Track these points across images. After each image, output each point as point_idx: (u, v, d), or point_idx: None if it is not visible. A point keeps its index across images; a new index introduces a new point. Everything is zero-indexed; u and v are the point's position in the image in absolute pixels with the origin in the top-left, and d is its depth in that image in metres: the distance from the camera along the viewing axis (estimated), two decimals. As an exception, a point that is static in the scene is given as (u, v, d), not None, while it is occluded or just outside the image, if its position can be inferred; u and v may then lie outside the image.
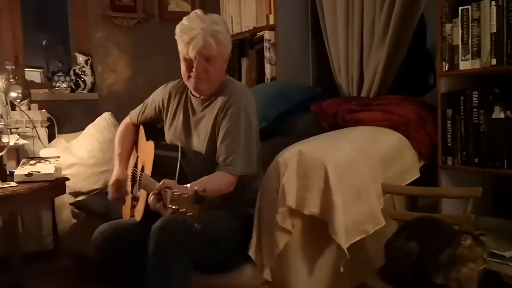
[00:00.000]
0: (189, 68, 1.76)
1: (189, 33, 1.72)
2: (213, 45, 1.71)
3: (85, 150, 2.79)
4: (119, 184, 1.96)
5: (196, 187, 1.33)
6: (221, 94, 1.81)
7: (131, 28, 3.47)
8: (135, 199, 1.91)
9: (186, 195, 1.32)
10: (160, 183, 1.47)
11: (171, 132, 1.92)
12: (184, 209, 1.32)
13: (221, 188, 1.68)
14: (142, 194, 1.81)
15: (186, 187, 1.38)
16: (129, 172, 2.01)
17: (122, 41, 3.46)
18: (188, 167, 1.81)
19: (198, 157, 1.84)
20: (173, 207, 1.35)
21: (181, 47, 1.76)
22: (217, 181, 1.67)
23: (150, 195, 1.49)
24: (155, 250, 1.55)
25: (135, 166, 2.00)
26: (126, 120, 2.13)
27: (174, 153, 1.78)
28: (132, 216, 1.89)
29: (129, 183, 2.01)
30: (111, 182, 1.97)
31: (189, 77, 1.78)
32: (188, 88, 1.87)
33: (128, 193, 1.98)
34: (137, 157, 2.03)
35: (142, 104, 2.06)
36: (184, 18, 1.77)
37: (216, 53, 1.73)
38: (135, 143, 2.09)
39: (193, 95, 1.87)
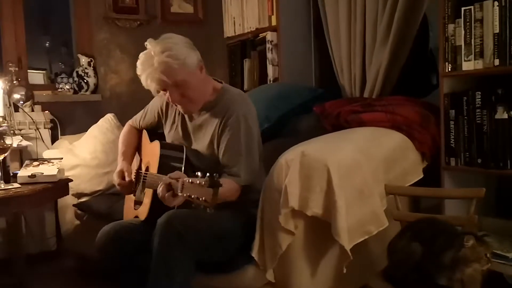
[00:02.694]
0: (169, 98, 1.78)
1: (142, 76, 1.74)
2: (164, 78, 1.70)
3: (88, 151, 2.80)
4: (123, 174, 1.95)
5: (208, 173, 1.35)
6: (219, 103, 1.82)
7: (133, 30, 3.48)
8: (137, 202, 1.91)
9: (198, 182, 1.34)
10: (174, 173, 1.50)
11: (171, 137, 1.94)
12: (196, 195, 1.33)
13: (227, 194, 1.67)
14: (147, 192, 1.81)
15: (197, 175, 1.38)
16: (132, 174, 2.01)
17: (124, 43, 3.46)
18: (192, 167, 1.82)
19: (200, 161, 1.85)
20: (185, 194, 1.36)
21: (146, 87, 1.78)
22: (226, 185, 1.67)
23: (160, 185, 1.50)
24: (160, 244, 1.56)
25: (139, 168, 2.01)
26: (129, 122, 2.15)
27: (179, 154, 1.79)
28: (135, 217, 1.89)
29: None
30: (115, 173, 1.96)
31: (175, 104, 1.81)
32: None
33: (131, 180, 1.97)
34: (140, 160, 2.03)
35: (143, 110, 2.09)
36: (140, 56, 1.75)
37: (176, 78, 1.71)
38: (138, 145, 2.10)
39: None
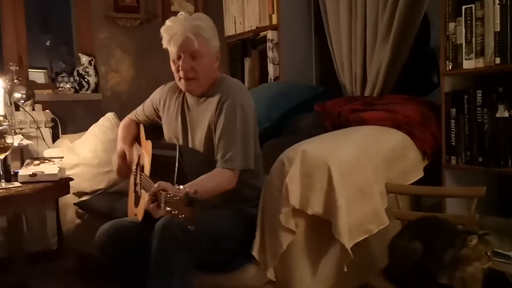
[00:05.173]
0: (178, 69, 1.79)
1: (169, 32, 1.76)
2: (193, 40, 1.72)
3: (89, 150, 2.80)
4: (124, 155, 1.95)
5: (187, 189, 1.34)
6: (216, 91, 1.82)
7: (134, 29, 3.48)
8: (137, 201, 1.91)
9: (178, 198, 1.34)
10: (156, 185, 1.49)
11: (169, 130, 1.94)
12: (176, 212, 1.34)
13: (222, 185, 1.69)
14: (143, 194, 1.81)
15: (180, 188, 1.39)
16: (133, 167, 2.01)
17: (125, 42, 3.47)
18: (186, 165, 1.82)
19: (196, 154, 1.85)
20: (167, 208, 1.37)
21: (166, 47, 1.79)
22: (216, 179, 1.69)
23: (146, 196, 1.51)
24: (158, 248, 1.56)
25: (138, 163, 2.00)
26: (129, 116, 2.16)
27: (172, 152, 1.78)
28: (135, 215, 1.89)
29: (132, 180, 2.01)
30: (116, 154, 1.96)
31: (179, 78, 1.81)
32: None
33: (134, 164, 1.97)
34: (139, 155, 2.03)
35: (141, 105, 2.09)
36: (171, 18, 1.79)
37: (199, 48, 1.74)
38: (137, 137, 2.10)
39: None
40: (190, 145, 1.88)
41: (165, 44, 1.78)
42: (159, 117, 2.01)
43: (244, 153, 1.74)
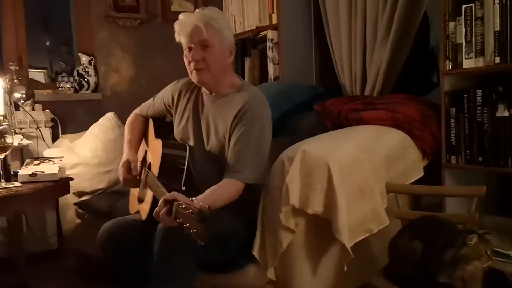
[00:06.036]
0: (190, 62, 1.77)
1: (181, 24, 1.76)
2: (203, 30, 1.71)
3: (89, 150, 2.80)
4: (129, 165, 1.92)
5: (201, 204, 1.32)
6: (235, 98, 1.78)
7: (134, 28, 3.48)
8: (140, 198, 1.90)
9: (191, 211, 1.32)
10: (169, 194, 1.46)
11: (180, 129, 1.90)
12: (188, 225, 1.32)
13: (230, 198, 1.67)
14: (148, 193, 1.80)
15: (193, 200, 1.37)
16: (138, 164, 1.99)
17: (125, 42, 3.47)
18: (195, 167, 1.80)
19: (205, 155, 1.83)
20: (178, 220, 1.35)
21: (178, 40, 1.79)
22: (226, 192, 1.67)
23: (160, 203, 1.48)
24: (161, 248, 1.55)
25: (144, 159, 1.98)
26: (136, 111, 2.11)
27: (182, 152, 1.76)
28: (137, 212, 1.88)
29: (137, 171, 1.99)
30: (121, 163, 1.94)
31: (191, 71, 1.78)
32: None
33: (137, 174, 1.95)
34: (146, 151, 2.01)
35: (152, 98, 2.05)
36: (182, 14, 1.80)
37: (208, 37, 1.72)
38: (144, 134, 2.07)
39: (205, 92, 1.86)
40: (200, 145, 1.84)
41: (176, 37, 1.78)
42: (170, 113, 1.97)
43: (255, 166, 1.71)
